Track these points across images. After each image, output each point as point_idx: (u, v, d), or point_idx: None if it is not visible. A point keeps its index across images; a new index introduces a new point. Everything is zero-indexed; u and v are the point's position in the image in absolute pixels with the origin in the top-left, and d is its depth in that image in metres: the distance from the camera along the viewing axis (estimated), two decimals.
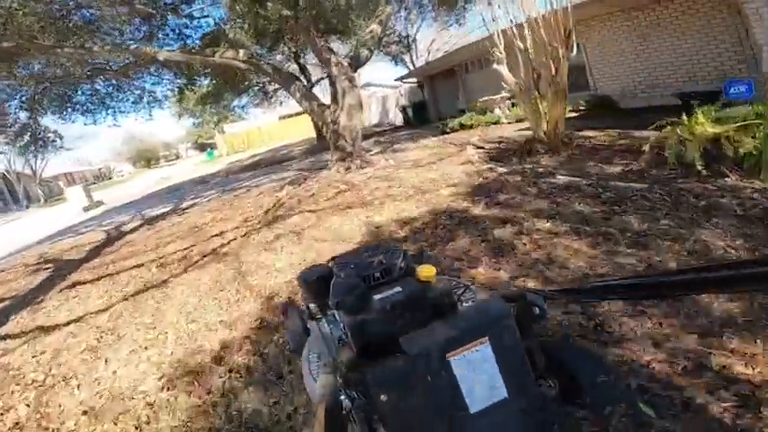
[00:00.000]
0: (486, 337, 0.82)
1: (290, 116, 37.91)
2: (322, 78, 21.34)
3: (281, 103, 26.76)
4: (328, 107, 9.11)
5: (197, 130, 49.87)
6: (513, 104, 13.28)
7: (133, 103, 14.71)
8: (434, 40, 29.16)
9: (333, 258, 1.29)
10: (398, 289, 1.03)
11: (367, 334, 0.93)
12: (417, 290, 1.01)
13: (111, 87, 14.16)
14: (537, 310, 0.90)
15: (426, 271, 1.03)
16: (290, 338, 1.36)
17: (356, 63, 8.99)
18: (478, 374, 0.81)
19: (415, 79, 21.48)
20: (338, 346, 1.10)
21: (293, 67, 20.19)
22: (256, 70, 9.58)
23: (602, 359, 1.10)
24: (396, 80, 22.28)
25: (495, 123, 11.90)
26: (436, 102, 20.90)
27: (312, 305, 1.30)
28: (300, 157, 18.29)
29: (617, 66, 10.90)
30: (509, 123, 11.45)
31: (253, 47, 11.41)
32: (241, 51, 8.69)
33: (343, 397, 0.85)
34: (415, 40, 21.34)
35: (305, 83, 9.61)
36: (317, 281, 1.23)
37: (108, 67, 10.80)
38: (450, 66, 18.19)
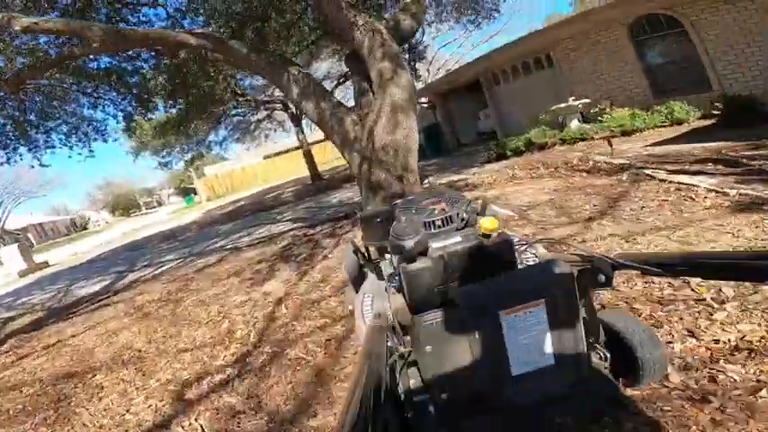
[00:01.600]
0: (543, 300, 0.80)
1: (277, 154, 34.49)
2: (341, 82, 17.21)
3: (267, 137, 23.05)
4: (352, 111, 5.30)
5: (179, 173, 45.99)
6: (584, 115, 9.71)
7: (66, 135, 10.84)
8: (440, 55, 26.34)
9: (394, 199, 1.28)
10: (458, 239, 0.98)
11: (422, 284, 0.89)
12: (477, 242, 0.95)
13: (33, 114, 10.38)
14: (602, 278, 0.86)
15: (489, 223, 0.96)
16: (346, 272, 1.40)
17: (394, 39, 5.11)
18: (528, 337, 0.78)
19: (424, 99, 18.13)
20: (392, 291, 1.05)
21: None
22: (223, 55, 5.69)
23: (653, 332, 0.97)
24: None
25: (581, 139, 8.21)
26: (452, 125, 17.47)
27: (370, 246, 1.30)
28: (294, 202, 14.48)
29: (759, 57, 7.49)
30: (610, 137, 7.76)
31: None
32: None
33: (390, 344, 0.83)
34: (426, 47, 17.68)
35: (307, 73, 5.38)
36: (377, 222, 1.21)
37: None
38: (471, 79, 14.80)
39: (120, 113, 10.44)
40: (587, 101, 9.59)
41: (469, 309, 0.78)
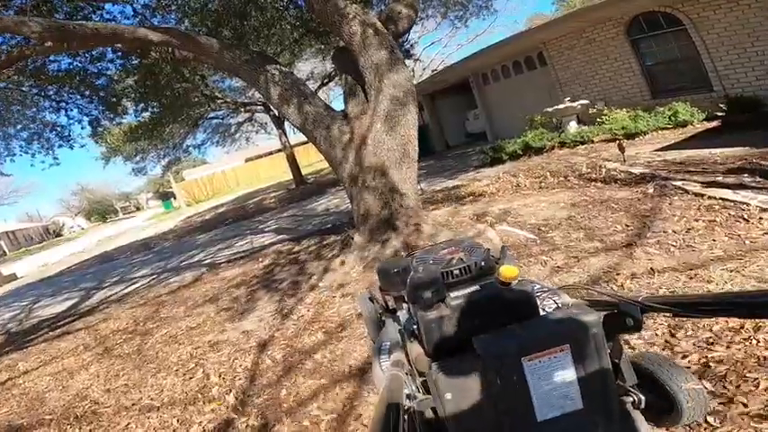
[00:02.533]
0: (567, 345, 0.78)
1: (259, 157, 33.58)
2: (325, 83, 16.42)
3: (248, 140, 22.17)
4: (342, 113, 4.70)
5: (157, 178, 44.54)
6: (579, 117, 9.34)
7: (26, 141, 10.01)
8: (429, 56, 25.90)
9: (411, 251, 1.31)
10: (477, 288, 0.99)
11: (439, 331, 0.89)
12: (496, 290, 0.95)
13: None
14: (631, 322, 0.85)
15: (508, 272, 0.94)
16: (367, 327, 1.41)
17: (394, 29, 4.49)
18: (552, 383, 0.77)
19: None
20: (410, 340, 1.06)
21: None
22: (193, 53, 5.00)
23: (687, 371, 0.96)
24: None
25: (581, 142, 7.78)
26: (440, 126, 17.03)
27: (388, 297, 1.27)
28: (277, 209, 13.84)
29: (763, 57, 7.21)
30: (610, 140, 7.35)
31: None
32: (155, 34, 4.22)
33: (407, 392, 0.84)
34: (414, 44, 17.11)
35: (287, 72, 4.73)
36: (394, 273, 1.19)
37: None
38: (459, 79, 14.39)
39: (85, 118, 9.63)
40: (585, 102, 9.22)
41: (490, 355, 0.76)
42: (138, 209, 65.15)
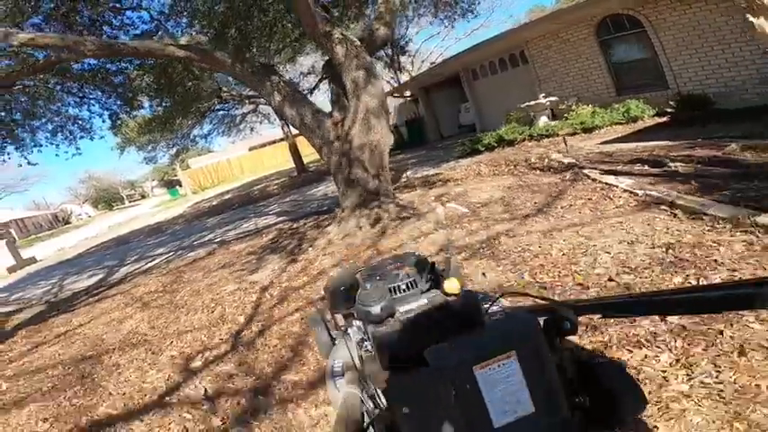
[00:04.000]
0: (513, 351, 0.80)
1: (263, 146, 34.53)
2: (316, 86, 17.48)
3: (252, 130, 23.13)
4: (329, 116, 5.73)
5: (162, 166, 45.52)
6: (553, 112, 10.27)
7: (51, 133, 11.00)
8: (426, 49, 26.65)
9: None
10: (424, 301, 1.00)
11: (391, 346, 0.90)
12: (443, 302, 0.98)
13: (19, 113, 10.53)
14: (567, 324, 0.88)
15: (453, 284, 0.98)
16: (319, 347, 1.37)
17: (370, 46, 5.56)
18: (504, 389, 0.79)
19: (408, 93, 18.55)
20: (363, 356, 1.07)
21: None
22: (210, 64, 6.05)
23: (626, 370, 0.94)
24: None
25: (546, 136, 8.75)
26: (435, 118, 17.93)
27: (338, 315, 1.29)
28: (280, 194, 14.84)
29: (711, 56, 8.07)
30: (571, 134, 8.29)
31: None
32: (181, 41, 5.25)
33: (364, 408, 0.86)
34: (409, 41, 17.87)
35: (288, 81, 5.80)
36: (342, 291, 1.20)
37: None
38: (452, 73, 15.23)
39: (105, 112, 10.59)
40: (555, 98, 10.11)
41: (442, 367, 0.80)
42: (143, 197, 66.20)
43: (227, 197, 20.05)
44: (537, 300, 1.10)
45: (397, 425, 0.81)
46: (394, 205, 5.34)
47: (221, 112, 18.98)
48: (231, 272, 5.49)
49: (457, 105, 17.21)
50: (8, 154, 10.61)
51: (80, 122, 11.40)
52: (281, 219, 9.12)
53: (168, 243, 10.80)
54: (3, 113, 10.18)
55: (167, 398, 2.82)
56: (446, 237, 4.25)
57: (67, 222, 57.49)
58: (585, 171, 5.12)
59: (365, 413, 0.87)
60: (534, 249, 3.46)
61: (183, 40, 5.34)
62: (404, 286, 1.07)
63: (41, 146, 11.26)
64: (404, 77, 19.50)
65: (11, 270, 14.58)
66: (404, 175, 10.02)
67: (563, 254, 3.22)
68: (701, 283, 2.39)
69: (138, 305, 5.23)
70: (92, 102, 10.40)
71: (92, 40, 4.78)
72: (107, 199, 64.47)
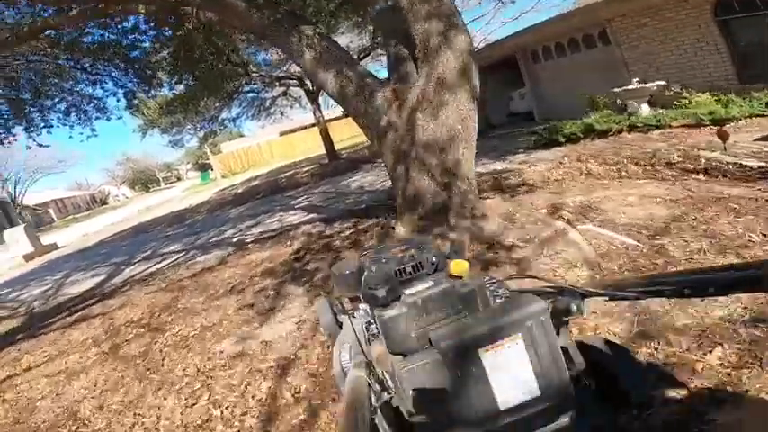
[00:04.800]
0: (519, 334, 0.81)
1: (293, 131, 33.30)
2: (361, 58, 15.32)
3: (282, 114, 21.74)
4: (384, 85, 3.98)
5: (194, 149, 45.32)
6: (651, 100, 8.24)
7: (64, 113, 9.94)
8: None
9: (364, 251, 1.27)
10: (430, 284, 0.99)
11: (398, 329, 0.90)
12: (449, 285, 0.96)
13: (27, 92, 9.52)
14: (574, 308, 0.88)
15: (458, 266, 0.98)
16: (324, 328, 1.37)
17: None
18: (510, 371, 0.80)
19: None
20: (369, 340, 1.10)
21: None
22: (218, 14, 4.40)
23: (634, 356, 0.98)
24: None
25: (656, 127, 6.71)
26: (482, 105, 15.97)
27: (344, 298, 1.27)
28: (310, 184, 13.48)
29: None
30: (689, 126, 6.31)
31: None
32: None
33: (372, 392, 0.84)
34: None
35: (323, 34, 4.09)
36: (348, 274, 1.18)
37: None
38: (504, 56, 13.35)
39: (120, 90, 9.44)
40: (662, 83, 8.09)
41: (448, 349, 0.77)
42: (178, 179, 67.13)
43: (254, 183, 18.91)
44: (544, 283, 1.06)
45: (404, 408, 0.81)
46: (492, 222, 3.64)
47: (250, 95, 17.69)
48: (237, 307, 3.93)
49: (506, 91, 15.36)
50: (13, 136, 9.64)
51: (94, 102, 10.38)
52: (310, 216, 7.67)
53: (183, 238, 9.60)
54: (10, 92, 9.18)
55: None
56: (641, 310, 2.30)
57: (104, 203, 58.82)
58: None
59: (372, 397, 0.82)
60: None
61: None
62: (409, 269, 1.04)
63: (52, 126, 10.22)
64: None
65: (28, 258, 13.82)
66: (474, 173, 8.33)
67: None
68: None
69: (105, 346, 3.79)
70: (105, 79, 9.28)
71: None
72: (144, 181, 65.61)
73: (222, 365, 2.90)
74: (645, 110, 7.82)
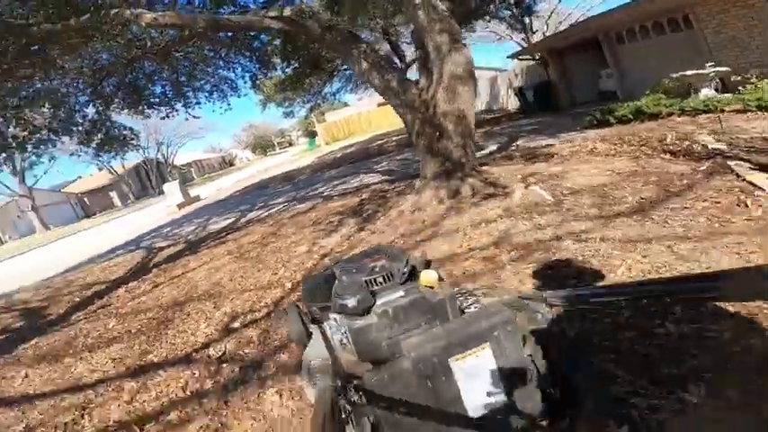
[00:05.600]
0: (488, 343, 0.83)
1: (387, 103, 35.27)
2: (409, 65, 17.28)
3: None
4: (416, 83, 5.74)
5: (302, 119, 50.00)
6: (724, 83, 8.34)
7: (209, 92, 13.02)
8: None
9: (336, 262, 1.27)
10: (401, 293, 1.02)
11: (369, 339, 0.94)
12: (420, 295, 1.00)
13: (183, 77, 12.66)
14: (539, 317, 0.93)
15: (429, 277, 1.02)
16: (292, 337, 1.33)
17: (459, 12, 5.29)
18: (479, 379, 0.81)
19: (536, 55, 16.86)
20: (339, 349, 1.09)
21: (384, 48, 16.77)
22: (302, 34, 6.42)
23: (594, 366, 1.08)
24: (509, 57, 18.31)
25: (706, 111, 7.07)
26: (568, 83, 16.03)
27: (314, 308, 1.28)
28: (394, 151, 15.32)
29: None
30: (739, 111, 6.55)
31: (323, 15, 8.38)
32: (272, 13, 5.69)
33: (342, 400, 0.84)
34: (535, 1, 16.05)
35: (374, 49, 5.94)
36: (319, 284, 1.22)
37: (146, 49, 8.69)
38: (591, 35, 13.37)
39: (246, 74, 12.15)
40: (725, 69, 8.12)
41: (419, 358, 0.80)
42: (290, 144, 73.79)
43: (349, 150, 21.34)
44: (511, 294, 1.12)
45: (374, 417, 0.81)
46: (479, 180, 5.20)
47: (348, 71, 19.91)
48: (314, 230, 6.04)
49: (596, 70, 15.21)
50: (176, 110, 13.00)
51: (229, 82, 13.29)
52: (383, 178, 9.49)
53: (288, 192, 12.16)
54: (173, 76, 12.39)
55: (196, 354, 3.24)
56: (507, 228, 3.91)
57: (231, 164, 67.56)
58: (732, 163, 3.98)
59: (342, 406, 0.83)
60: (595, 263, 2.78)
61: (287, 11, 5.75)
62: (380, 279, 1.06)
63: (200, 103, 13.41)
64: (536, 38, 17.72)
65: (180, 206, 17.83)
66: (514, 143, 9.45)
67: (628, 277, 2.43)
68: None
69: (236, 255, 6.14)
70: (236, 65, 12.05)
71: (202, 17, 5.54)
72: (262, 145, 73.48)
73: (295, 257, 5.03)
74: (704, 94, 8.03)
